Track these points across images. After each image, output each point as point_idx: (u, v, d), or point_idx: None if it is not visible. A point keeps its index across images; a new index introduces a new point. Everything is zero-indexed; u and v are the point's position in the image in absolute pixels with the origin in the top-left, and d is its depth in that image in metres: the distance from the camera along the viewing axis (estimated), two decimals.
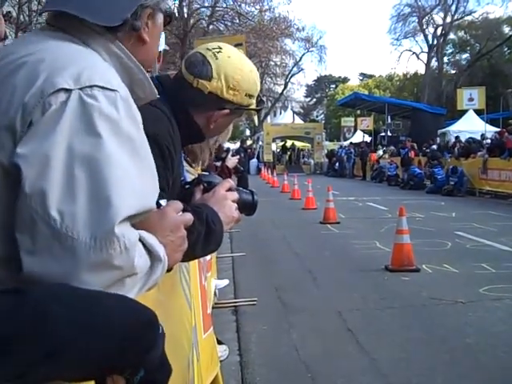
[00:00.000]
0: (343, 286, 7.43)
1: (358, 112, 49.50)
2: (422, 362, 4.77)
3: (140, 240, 1.24)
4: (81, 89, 1.23)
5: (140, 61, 1.49)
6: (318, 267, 8.56)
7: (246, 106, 2.09)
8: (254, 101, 2.11)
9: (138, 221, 1.24)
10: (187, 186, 2.02)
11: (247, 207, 2.04)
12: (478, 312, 6.09)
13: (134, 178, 1.23)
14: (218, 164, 6.73)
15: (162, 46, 4.31)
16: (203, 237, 1.72)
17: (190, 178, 3.13)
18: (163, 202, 1.45)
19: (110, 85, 1.27)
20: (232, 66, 2.00)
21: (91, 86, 1.24)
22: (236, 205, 1.91)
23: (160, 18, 1.57)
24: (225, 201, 1.86)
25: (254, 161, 40.24)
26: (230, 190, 1.92)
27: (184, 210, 1.52)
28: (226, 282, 7.06)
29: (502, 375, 4.46)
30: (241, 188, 2.06)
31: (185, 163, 3.56)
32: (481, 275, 7.77)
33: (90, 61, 1.33)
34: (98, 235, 1.14)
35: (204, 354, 3.21)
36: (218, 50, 2.03)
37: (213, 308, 5.05)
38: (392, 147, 33.98)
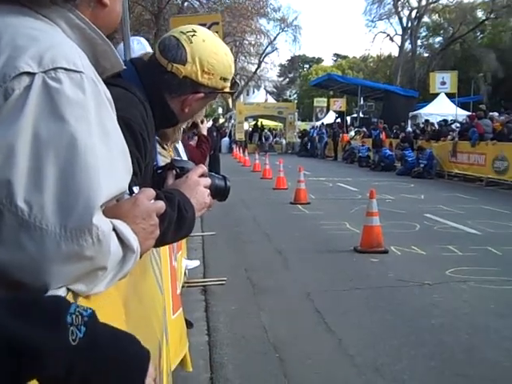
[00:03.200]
0: (312, 267, 7.48)
1: (331, 93, 49.52)
2: (388, 342, 4.84)
3: (114, 230, 1.21)
4: (44, 72, 1.17)
5: (103, 26, 1.41)
6: (287, 248, 8.61)
7: (220, 89, 2.08)
8: (228, 84, 2.10)
9: (109, 203, 1.22)
10: (159, 171, 2.01)
11: (220, 193, 2.04)
12: (443, 294, 6.19)
13: (104, 162, 1.19)
14: (194, 142, 6.72)
15: None
16: (175, 223, 1.71)
17: (162, 160, 3.12)
18: (136, 189, 1.44)
19: (75, 66, 1.22)
20: (207, 50, 1.98)
21: (55, 69, 1.18)
22: (208, 191, 1.90)
23: None
24: (197, 187, 1.85)
25: (225, 139, 40.13)
26: (202, 175, 1.91)
27: (156, 196, 1.51)
28: (196, 263, 7.07)
29: (465, 356, 4.54)
30: (213, 173, 2.05)
31: (157, 145, 3.54)
32: (447, 257, 7.88)
33: (53, 39, 1.27)
34: (69, 225, 1.12)
35: (173, 335, 3.21)
36: (192, 33, 2.00)
37: (182, 287, 5.05)
38: (364, 129, 34.15)
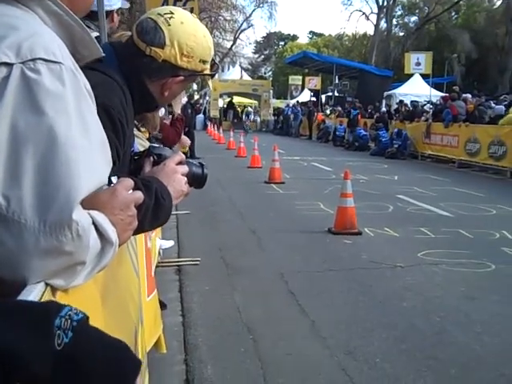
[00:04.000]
0: (286, 248, 7.51)
1: (306, 71, 49.43)
2: (360, 324, 4.89)
3: (93, 223, 1.20)
4: (23, 62, 1.15)
5: (78, 10, 1.38)
6: (261, 228, 8.63)
7: (200, 71, 2.06)
8: (208, 66, 2.08)
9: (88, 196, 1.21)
10: (136, 158, 1.99)
11: (197, 181, 2.03)
12: (415, 276, 6.26)
13: (84, 155, 1.17)
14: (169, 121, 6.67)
15: (118, 4, 4.13)
16: (152, 211, 1.69)
17: (138, 143, 3.09)
18: (114, 179, 1.42)
19: (54, 56, 1.19)
20: (185, 33, 1.95)
21: (34, 59, 1.16)
22: (186, 178, 1.88)
23: None
24: (174, 174, 1.83)
25: (200, 116, 39.86)
26: (180, 163, 1.90)
27: (134, 183, 1.49)
28: (171, 243, 7.06)
29: (435, 339, 4.61)
30: (191, 161, 2.04)
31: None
32: (420, 240, 7.97)
33: (31, 28, 1.24)
34: (49, 220, 1.10)
35: (147, 318, 3.21)
36: (170, 15, 1.97)
37: (156, 267, 5.05)
38: (339, 107, 34.21)
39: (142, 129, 3.34)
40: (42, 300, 1.09)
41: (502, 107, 18.86)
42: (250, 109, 44.41)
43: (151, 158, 1.95)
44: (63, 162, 1.13)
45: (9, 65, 1.14)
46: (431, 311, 5.24)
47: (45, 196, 1.11)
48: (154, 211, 1.70)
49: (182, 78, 2.02)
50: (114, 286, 1.86)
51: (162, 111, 6.72)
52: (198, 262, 6.63)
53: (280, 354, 4.31)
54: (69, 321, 0.97)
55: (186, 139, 6.18)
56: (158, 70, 1.97)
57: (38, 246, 1.11)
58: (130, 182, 1.41)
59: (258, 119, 44.21)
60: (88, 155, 1.19)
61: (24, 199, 1.09)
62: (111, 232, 1.25)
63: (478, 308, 5.36)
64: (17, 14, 1.27)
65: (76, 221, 1.12)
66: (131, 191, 1.42)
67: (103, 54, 1.55)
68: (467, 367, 4.16)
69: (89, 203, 1.21)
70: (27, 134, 1.12)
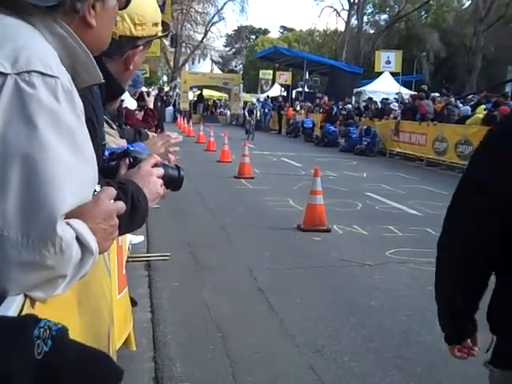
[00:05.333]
0: (255, 244, 7.53)
1: (277, 65, 49.47)
2: (329, 323, 4.93)
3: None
4: (18, 74, 1.14)
5: (87, 46, 1.40)
6: (231, 223, 8.63)
7: (155, 35, 2.07)
8: (160, 27, 2.10)
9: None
10: (113, 163, 1.97)
11: (173, 183, 2.02)
12: (383, 275, 6.33)
13: (71, 172, 1.17)
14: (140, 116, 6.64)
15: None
16: (128, 214, 1.68)
17: (111, 141, 3.05)
18: (98, 188, 1.41)
19: (51, 70, 1.18)
20: (132, 2, 1.93)
21: (29, 72, 1.15)
22: (162, 181, 1.87)
23: (112, 1, 1.47)
24: (150, 177, 1.81)
25: (170, 108, 39.68)
26: (155, 165, 1.89)
27: (108, 185, 1.48)
28: (141, 238, 7.03)
29: (402, 338, 4.68)
30: (167, 163, 2.03)
31: (106, 126, 3.47)
32: (388, 238, 8.06)
33: (29, 40, 1.23)
34: (32, 234, 1.10)
35: (117, 315, 3.19)
36: None
37: (126, 262, 5.02)
38: (308, 103, 34.33)
39: (115, 126, 3.30)
40: (22, 312, 1.09)
41: (467, 108, 19.10)
42: (255, 102, 34.21)
43: (127, 160, 1.94)
44: (49, 178, 1.12)
45: (3, 74, 1.13)
46: (398, 310, 5.31)
47: (29, 210, 1.10)
48: (130, 214, 1.69)
49: (141, 47, 2.03)
50: (88, 288, 1.85)
51: (133, 104, 6.69)
52: (167, 258, 6.61)
53: (249, 352, 4.33)
54: (48, 331, 0.97)
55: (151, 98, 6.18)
56: (117, 47, 1.95)
57: (20, 260, 1.10)
58: (112, 190, 1.40)
59: (228, 113, 44.14)
60: (74, 173, 1.19)
61: (8, 212, 1.09)
62: (92, 241, 1.25)
63: None
64: (18, 26, 1.26)
65: (60, 236, 1.12)
66: (113, 201, 1.42)
67: (103, 81, 1.54)
68: (433, 366, 4.22)
69: (72, 211, 1.21)
70: (16, 147, 1.11)
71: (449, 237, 1.96)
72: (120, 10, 1.59)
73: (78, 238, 1.20)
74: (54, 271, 1.15)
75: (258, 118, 32.75)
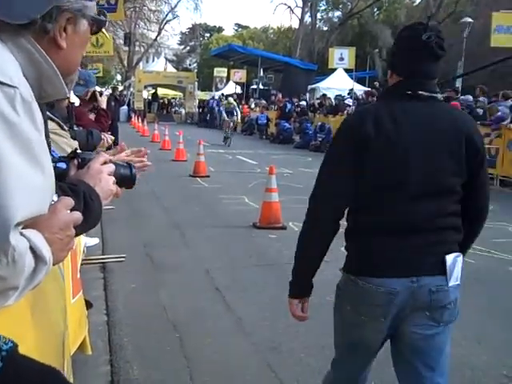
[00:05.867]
0: (211, 243, 7.53)
1: (232, 63, 49.46)
2: (285, 320, 4.93)
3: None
4: None
5: (56, 66, 1.39)
6: (187, 223, 8.62)
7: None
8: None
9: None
10: (63, 166, 1.95)
11: (125, 181, 2.00)
12: (337, 270, 6.37)
13: (27, 183, 1.16)
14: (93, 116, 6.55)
15: None
16: (82, 215, 1.67)
17: (63, 141, 3.02)
18: (55, 197, 1.39)
19: (10, 80, 1.18)
20: None
21: None
22: (113, 178, 1.86)
23: (83, 25, 1.47)
24: (100, 175, 1.80)
25: (124, 108, 39.29)
26: (105, 163, 1.87)
27: (60, 188, 1.47)
28: (95, 240, 6.95)
29: None
30: (118, 162, 2.02)
31: (57, 127, 3.44)
32: (343, 234, 8.11)
33: None
34: None
35: (73, 320, 3.17)
36: None
37: (80, 265, 4.97)
38: (263, 100, 34.40)
39: (66, 128, 3.28)
40: None
41: None
42: (232, 102, 27.26)
43: (75, 161, 1.92)
44: (2, 187, 1.11)
45: None
46: None
47: None
48: (83, 215, 1.68)
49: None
50: (42, 295, 1.83)
51: (76, 101, 6.59)
52: (122, 259, 6.56)
53: (206, 352, 4.33)
54: None
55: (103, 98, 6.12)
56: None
57: None
58: (70, 200, 1.39)
59: (183, 111, 43.96)
60: (30, 183, 1.18)
61: None
62: (45, 250, 1.24)
63: None
64: None
65: (13, 246, 1.11)
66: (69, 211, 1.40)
67: (68, 96, 1.54)
68: (388, 358, 4.27)
69: (28, 221, 1.19)
70: None
71: (319, 189, 2.50)
72: (92, 34, 1.57)
73: (31, 248, 1.19)
74: (5, 282, 1.14)
75: (239, 120, 26.57)
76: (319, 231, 2.59)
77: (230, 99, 26.44)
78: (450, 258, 2.41)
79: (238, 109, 25.64)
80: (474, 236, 2.65)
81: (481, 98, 16.70)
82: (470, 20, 32.26)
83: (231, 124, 24.15)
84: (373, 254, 2.44)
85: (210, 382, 3.90)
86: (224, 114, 25.60)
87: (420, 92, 2.40)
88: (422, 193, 2.35)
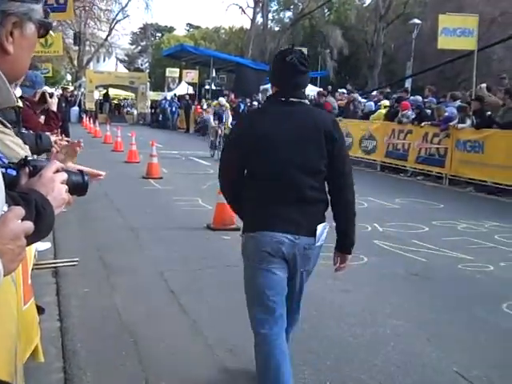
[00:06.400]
0: (166, 245, 7.50)
1: (184, 63, 49.25)
2: (240, 322, 4.94)
3: None
4: None
5: (3, 71, 1.36)
6: (140, 225, 8.56)
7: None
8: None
9: None
10: (13, 174, 1.91)
11: (78, 189, 1.98)
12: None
13: None
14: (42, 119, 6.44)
15: None
16: (34, 224, 1.65)
17: (9, 139, 2.96)
18: (5, 207, 1.37)
19: None
20: None
21: None
22: (66, 186, 1.84)
23: (30, 28, 1.44)
24: (53, 183, 1.76)
25: (75, 109, 38.72)
26: (57, 171, 1.85)
27: (12, 197, 1.45)
28: (47, 245, 6.84)
29: (312, 333, 4.78)
30: (70, 169, 1.99)
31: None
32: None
33: None
34: None
35: (24, 327, 3.11)
36: None
37: (31, 270, 4.88)
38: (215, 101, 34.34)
39: (10, 126, 3.21)
40: None
41: (371, 104, 19.68)
42: (224, 103, 22.97)
43: (27, 169, 1.89)
44: None
45: None
46: (308, 305, 5.37)
47: None
48: (35, 224, 1.65)
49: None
50: None
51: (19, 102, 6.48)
52: (75, 263, 6.48)
53: (161, 355, 4.32)
54: None
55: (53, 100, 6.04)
56: None
57: None
58: (21, 210, 1.37)
59: (135, 112, 43.61)
60: None
61: None
62: None
63: (352, 301, 5.61)
64: None
65: None
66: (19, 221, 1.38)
67: (17, 104, 1.51)
68: (342, 359, 4.34)
69: None
70: None
71: (222, 165, 3.51)
72: (40, 37, 1.55)
73: None
74: None
75: (229, 125, 20.09)
76: (229, 188, 3.59)
77: (222, 100, 22.36)
78: (319, 226, 3.30)
79: (228, 112, 21.35)
80: (345, 205, 3.43)
81: (429, 99, 17.01)
82: (418, 21, 32.88)
83: (219, 131, 20.01)
84: (267, 214, 3.29)
85: None
86: (211, 119, 21.57)
87: (291, 99, 3.30)
88: (296, 171, 3.22)
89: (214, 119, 20.95)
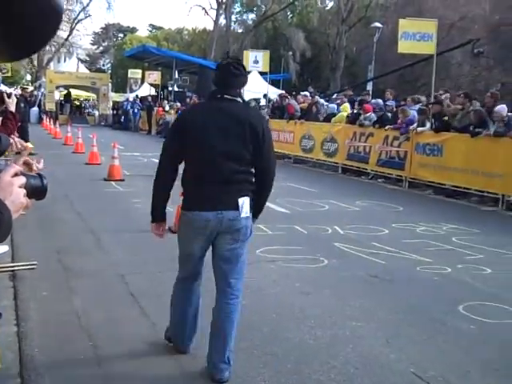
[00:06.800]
0: (127, 248, 7.46)
1: (146, 64, 48.96)
2: (200, 325, 4.96)
3: None
4: None
5: None
6: (101, 228, 8.49)
7: None
8: None
9: None
10: None
11: (37, 192, 1.96)
12: (253, 274, 6.43)
13: None
14: None
15: None
16: None
17: None
18: None
19: None
20: None
21: None
22: (24, 190, 1.82)
23: None
24: (11, 187, 1.74)
25: (34, 109, 38.19)
26: (16, 175, 1.83)
27: None
28: (5, 248, 6.74)
29: (272, 336, 4.81)
30: (28, 173, 1.98)
31: None
32: (258, 237, 8.18)
33: None
34: None
35: None
36: None
37: None
38: (178, 103, 34.22)
39: None
40: None
41: (334, 106, 19.83)
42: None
43: None
44: None
45: None
46: (268, 308, 5.45)
47: None
48: None
49: None
50: None
51: None
52: (34, 267, 6.39)
53: (121, 359, 4.31)
54: None
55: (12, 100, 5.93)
56: None
57: None
58: None
59: (97, 113, 43.19)
60: None
61: None
62: None
63: (311, 303, 5.65)
64: None
65: None
66: None
67: None
68: (302, 361, 4.38)
69: None
70: None
71: (165, 154, 4.10)
72: None
73: None
74: None
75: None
76: (163, 178, 4.12)
77: None
78: (241, 200, 3.96)
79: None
80: (265, 186, 4.16)
81: (389, 102, 17.21)
82: (379, 25, 33.25)
83: None
84: (195, 194, 3.99)
85: None
86: None
87: (225, 96, 3.96)
88: (222, 158, 3.88)
89: None
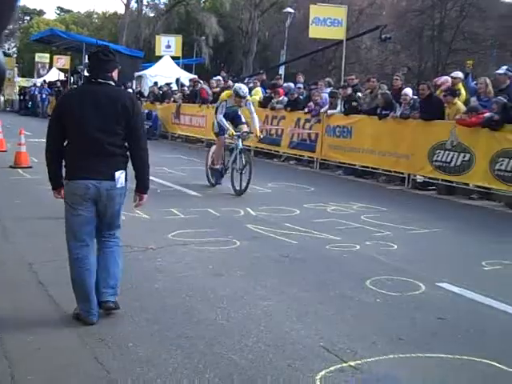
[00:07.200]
0: (36, 237, 7.27)
1: (55, 49, 47.52)
2: (112, 310, 4.91)
3: None
4: None
5: None
6: (7, 216, 8.23)
7: None
8: None
9: None
10: None
11: None
12: (166, 258, 6.44)
13: None
14: None
15: None
16: None
17: None
18: None
19: None
20: None
21: None
22: None
23: None
24: None
25: None
26: None
27: None
28: None
29: (185, 318, 4.81)
30: None
31: None
32: (171, 220, 8.20)
33: None
34: None
35: None
36: None
37: None
38: None
39: None
40: None
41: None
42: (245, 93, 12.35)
43: None
44: None
45: None
46: (181, 291, 5.44)
47: None
48: None
49: None
50: None
51: None
52: None
53: (29, 350, 4.19)
54: None
55: None
56: None
57: None
58: None
59: (2, 99, 41.68)
60: None
61: None
62: None
63: (225, 284, 5.68)
64: None
65: None
66: None
67: None
68: (214, 341, 4.40)
69: None
70: None
71: (47, 138, 4.67)
72: None
73: None
74: None
75: (258, 133, 11.20)
76: (50, 154, 4.67)
77: (242, 88, 11.59)
78: (117, 173, 4.57)
79: (252, 108, 11.82)
80: (140, 158, 4.70)
81: (299, 85, 17.40)
82: (291, 10, 33.54)
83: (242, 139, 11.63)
84: (76, 166, 4.54)
85: (33, 380, 3.77)
86: (222, 121, 11.62)
87: (98, 80, 4.59)
88: (97, 132, 4.48)
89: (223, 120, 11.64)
